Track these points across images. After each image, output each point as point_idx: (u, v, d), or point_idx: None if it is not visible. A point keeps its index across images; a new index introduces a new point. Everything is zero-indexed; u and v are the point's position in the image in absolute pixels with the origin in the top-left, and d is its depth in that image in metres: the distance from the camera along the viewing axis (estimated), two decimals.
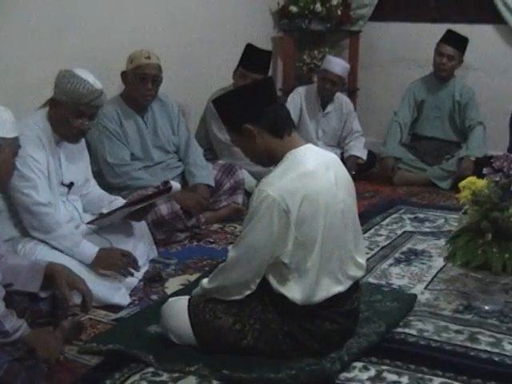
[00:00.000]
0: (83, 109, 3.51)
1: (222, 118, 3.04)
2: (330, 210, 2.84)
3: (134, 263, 3.61)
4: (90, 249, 3.58)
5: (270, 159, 2.95)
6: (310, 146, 2.98)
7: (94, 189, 4.01)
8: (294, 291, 2.84)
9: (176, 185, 3.82)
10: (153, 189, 4.23)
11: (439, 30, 5.89)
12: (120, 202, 3.91)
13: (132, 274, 3.62)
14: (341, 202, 2.91)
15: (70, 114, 3.51)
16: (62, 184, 3.69)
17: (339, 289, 2.92)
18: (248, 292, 2.89)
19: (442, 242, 4.25)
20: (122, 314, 3.46)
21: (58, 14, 4.40)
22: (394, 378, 2.88)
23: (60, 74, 3.53)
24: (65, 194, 3.72)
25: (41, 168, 3.52)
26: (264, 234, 2.76)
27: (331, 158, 3.04)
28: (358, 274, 3.05)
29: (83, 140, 3.85)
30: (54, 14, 4.37)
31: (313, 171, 2.83)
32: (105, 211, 3.78)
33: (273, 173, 2.86)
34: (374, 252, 4.28)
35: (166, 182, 3.72)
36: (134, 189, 4.38)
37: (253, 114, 2.87)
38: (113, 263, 3.57)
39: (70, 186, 3.73)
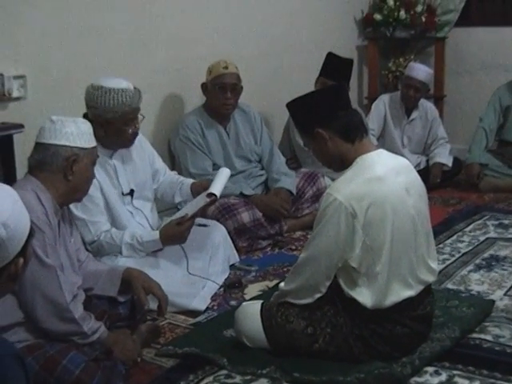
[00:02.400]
0: (132, 115, 3.58)
1: (294, 121, 3.12)
2: (399, 215, 2.85)
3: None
4: (153, 237, 3.66)
5: (341, 163, 2.98)
6: (381, 151, 3.01)
7: (165, 177, 4.09)
8: (364, 295, 2.86)
9: (223, 173, 3.90)
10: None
11: None
12: (187, 183, 4.02)
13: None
14: (411, 207, 2.91)
15: (123, 124, 3.57)
16: (123, 194, 3.77)
17: (410, 293, 2.92)
18: (318, 295, 2.92)
19: None
20: (200, 318, 3.54)
21: (140, 27, 4.53)
22: (465, 383, 2.85)
23: (92, 95, 3.51)
24: (129, 203, 3.80)
25: (89, 199, 3.47)
26: (331, 237, 2.80)
27: (403, 163, 3.05)
28: (430, 278, 3.04)
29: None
30: (135, 28, 4.50)
31: (381, 176, 2.85)
32: (177, 200, 3.98)
33: (342, 177, 2.90)
34: (454, 258, 4.25)
35: (211, 194, 3.73)
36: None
37: (325, 118, 2.92)
38: (177, 237, 3.66)
39: (132, 193, 3.80)
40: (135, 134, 3.68)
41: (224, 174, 3.92)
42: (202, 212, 3.91)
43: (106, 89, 3.50)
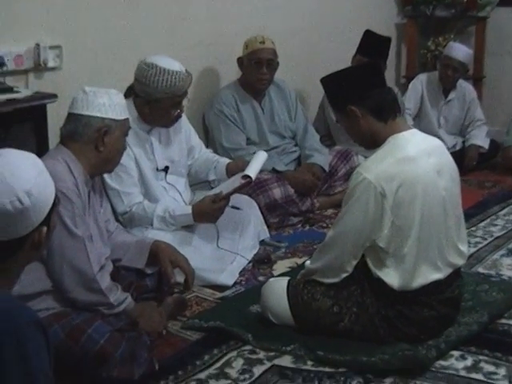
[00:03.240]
0: (181, 98, 3.61)
1: (328, 97, 3.11)
2: (429, 196, 2.82)
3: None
4: (185, 211, 3.67)
5: (373, 142, 2.96)
6: (414, 131, 2.98)
7: (201, 154, 4.09)
8: (391, 276, 2.84)
9: (260, 156, 3.89)
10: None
11: None
12: (222, 162, 4.03)
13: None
14: (442, 189, 2.88)
15: (170, 106, 3.59)
16: (158, 170, 3.77)
17: (438, 276, 2.90)
18: (344, 274, 2.91)
19: None
20: (227, 293, 3.55)
21: (178, 1, 4.52)
22: (491, 368, 2.83)
23: (145, 71, 3.51)
24: (163, 179, 3.81)
25: (123, 170, 3.53)
26: (359, 216, 2.79)
27: (435, 144, 3.02)
28: (460, 261, 3.02)
29: None
30: (173, 1, 4.48)
31: (413, 157, 2.83)
32: (211, 178, 3.99)
33: (372, 156, 2.88)
34: (486, 242, 4.20)
35: (246, 176, 3.72)
36: None
37: (358, 95, 2.90)
38: (210, 215, 3.65)
39: (166, 169, 3.80)
40: (179, 117, 3.70)
41: (261, 156, 3.91)
42: (238, 192, 3.87)
43: (160, 68, 3.51)
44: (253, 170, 3.77)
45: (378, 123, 2.90)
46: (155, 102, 3.55)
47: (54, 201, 1.82)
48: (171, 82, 3.50)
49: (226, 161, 4.06)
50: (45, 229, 1.79)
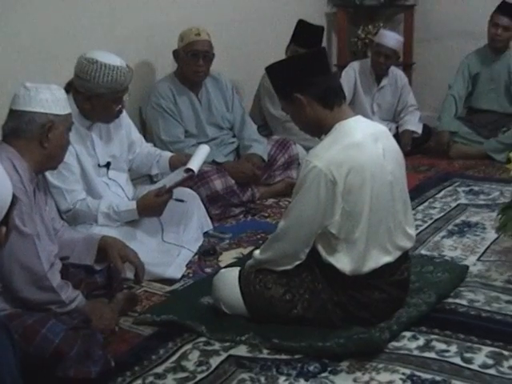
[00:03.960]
0: (121, 94, 3.57)
1: (273, 86, 3.08)
2: (378, 181, 2.85)
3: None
4: (129, 206, 3.65)
5: (318, 129, 2.98)
6: (359, 117, 3.00)
7: (142, 148, 4.07)
8: (342, 261, 2.87)
9: (202, 149, 3.91)
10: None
11: (495, 1, 5.78)
12: (165, 156, 4.04)
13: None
14: (389, 173, 2.92)
15: (112, 102, 3.55)
16: (99, 166, 3.74)
17: (388, 259, 2.94)
18: (297, 262, 2.93)
19: (496, 214, 4.21)
20: (176, 286, 3.53)
21: None
22: (442, 346, 2.89)
23: (86, 67, 3.46)
24: (105, 174, 3.77)
25: (65, 167, 3.47)
26: (311, 205, 2.80)
27: (380, 129, 3.05)
28: (408, 244, 3.06)
29: None
30: None
31: (360, 142, 2.85)
32: (154, 172, 4.02)
33: (320, 144, 2.89)
34: (427, 224, 4.28)
35: (189, 169, 3.74)
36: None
37: (304, 83, 2.90)
38: (154, 209, 3.65)
39: (108, 165, 3.77)
40: (120, 112, 3.67)
41: (203, 150, 3.92)
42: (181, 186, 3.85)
43: (101, 63, 3.46)
44: (195, 164, 3.77)
45: (323, 110, 2.91)
46: (96, 97, 3.51)
47: (12, 200, 1.79)
48: (112, 77, 3.46)
49: (169, 155, 4.06)
50: (4, 229, 1.76)
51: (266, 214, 4.56)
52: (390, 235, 2.94)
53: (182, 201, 3.86)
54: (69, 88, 3.56)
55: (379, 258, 2.91)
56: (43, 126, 2.81)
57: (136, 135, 4.04)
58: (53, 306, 2.77)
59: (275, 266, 2.98)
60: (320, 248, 2.90)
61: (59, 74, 3.71)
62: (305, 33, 5.15)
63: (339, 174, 2.76)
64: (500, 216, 3.52)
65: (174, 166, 3.95)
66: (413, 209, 4.36)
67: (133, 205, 3.62)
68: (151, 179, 4.30)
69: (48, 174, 3.32)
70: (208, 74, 4.67)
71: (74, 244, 3.12)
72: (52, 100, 2.85)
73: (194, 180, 4.01)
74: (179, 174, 3.75)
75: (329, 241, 2.87)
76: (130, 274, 3.21)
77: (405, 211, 3.04)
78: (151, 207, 3.63)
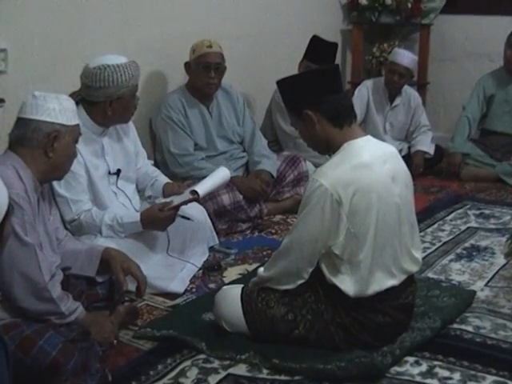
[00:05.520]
0: (137, 88, 3.63)
1: (283, 100, 3.04)
2: (384, 203, 2.82)
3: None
4: (133, 219, 3.61)
5: (327, 147, 2.95)
6: (368, 137, 2.96)
7: (142, 165, 4.03)
8: (346, 283, 2.83)
9: (219, 173, 3.90)
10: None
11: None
12: (160, 181, 3.99)
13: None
14: (396, 195, 2.88)
15: (132, 98, 3.60)
16: (110, 173, 3.72)
17: (392, 282, 2.90)
18: (300, 281, 2.89)
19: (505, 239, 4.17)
20: (179, 301, 3.50)
21: (124, 4, 4.45)
22: (445, 373, 2.85)
23: (99, 76, 3.45)
24: (114, 183, 3.75)
25: (73, 176, 3.45)
26: (315, 224, 2.77)
27: (390, 151, 3.01)
28: (413, 268, 3.02)
29: None
30: (119, 5, 4.42)
31: (368, 163, 2.82)
32: (147, 194, 3.95)
33: (328, 162, 2.86)
34: (435, 247, 4.23)
35: (194, 192, 3.71)
36: (197, 178, 4.39)
37: (315, 100, 2.87)
38: (157, 223, 3.62)
39: (118, 173, 3.75)
40: (136, 107, 3.70)
41: (220, 174, 3.92)
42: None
43: (113, 66, 3.48)
44: (203, 187, 3.77)
45: (333, 129, 2.88)
46: (117, 99, 3.53)
47: (8, 210, 1.77)
48: (129, 74, 3.51)
49: (164, 181, 4.01)
50: None
51: (274, 231, 4.52)
52: (395, 258, 2.90)
53: (188, 219, 3.82)
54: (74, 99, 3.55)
55: (384, 281, 2.87)
56: (49, 135, 2.79)
57: (140, 147, 4.02)
58: (52, 317, 2.74)
59: (278, 284, 2.94)
60: (324, 268, 2.86)
61: (70, 84, 3.68)
62: (318, 49, 5.12)
63: (345, 194, 2.73)
64: (509, 241, 3.47)
65: (167, 193, 3.92)
66: (421, 231, 4.36)
67: (137, 217, 3.59)
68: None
69: (55, 183, 3.32)
70: (219, 87, 4.65)
71: (76, 255, 3.09)
72: (59, 110, 2.83)
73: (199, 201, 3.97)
74: (186, 195, 3.73)
75: (333, 261, 2.83)
76: (132, 287, 3.17)
77: (412, 234, 3.00)
78: (154, 221, 3.60)
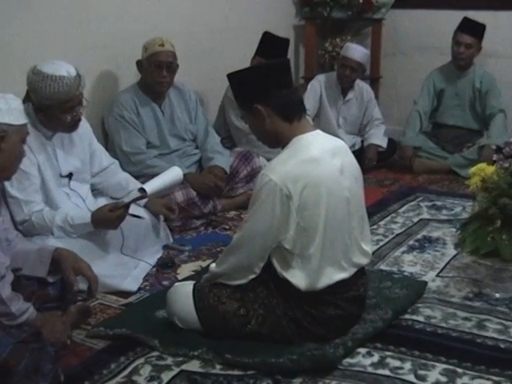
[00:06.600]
0: (72, 103, 3.51)
1: (234, 94, 3.05)
2: (334, 197, 2.84)
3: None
4: (84, 220, 3.59)
5: (276, 141, 2.96)
6: (318, 132, 2.99)
7: (113, 172, 4.03)
8: (297, 277, 2.86)
9: (171, 172, 3.93)
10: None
11: (462, 16, 5.81)
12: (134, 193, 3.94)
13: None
14: (346, 189, 2.91)
15: (61, 112, 3.51)
16: (61, 176, 3.70)
17: (343, 275, 2.93)
18: (252, 276, 2.91)
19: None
20: (132, 299, 3.50)
21: (74, 2, 4.41)
22: (396, 363, 2.88)
23: (32, 80, 3.44)
24: (66, 185, 3.73)
25: (26, 177, 3.46)
26: (266, 219, 2.78)
27: (339, 145, 3.03)
28: (363, 261, 3.05)
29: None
30: (69, 3, 4.37)
31: (317, 158, 2.84)
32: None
33: (277, 157, 2.88)
34: (387, 239, 4.27)
35: (143, 190, 3.75)
36: (149, 177, 4.37)
37: (265, 94, 2.88)
38: (108, 223, 3.60)
39: (70, 176, 3.73)
40: (76, 121, 3.61)
41: (172, 173, 3.96)
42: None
43: (44, 75, 3.42)
44: (151, 185, 3.82)
45: (283, 123, 2.89)
46: (46, 108, 3.48)
47: None
48: (54, 88, 3.41)
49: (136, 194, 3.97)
50: None
51: (227, 227, 4.53)
52: (345, 252, 2.93)
53: (139, 217, 3.81)
54: (28, 98, 3.53)
55: (334, 275, 2.89)
56: None
57: (97, 146, 3.99)
58: (2, 319, 2.72)
59: (230, 279, 2.95)
60: (275, 263, 2.88)
61: (15, 83, 3.65)
62: (270, 45, 5.12)
63: (295, 188, 2.74)
64: (459, 232, 3.52)
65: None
66: (374, 223, 4.41)
67: (88, 218, 3.57)
68: None
69: (7, 183, 3.29)
70: (172, 85, 4.64)
71: (27, 255, 3.06)
72: (6, 109, 2.80)
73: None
74: (135, 193, 3.72)
75: (284, 256, 2.85)
76: (84, 287, 3.15)
77: (361, 228, 3.03)
78: (105, 221, 3.58)
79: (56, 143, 3.66)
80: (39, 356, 2.65)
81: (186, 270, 3.86)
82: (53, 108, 3.47)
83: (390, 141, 6.04)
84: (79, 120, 3.62)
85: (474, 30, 5.69)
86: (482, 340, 3.07)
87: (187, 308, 2.99)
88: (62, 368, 2.74)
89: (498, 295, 3.47)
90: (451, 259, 3.94)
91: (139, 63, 4.56)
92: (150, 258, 3.86)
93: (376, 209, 4.76)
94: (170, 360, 2.90)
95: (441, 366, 2.86)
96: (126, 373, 2.82)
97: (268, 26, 5.47)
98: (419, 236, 4.34)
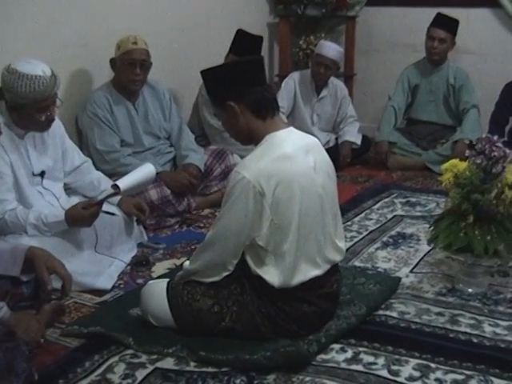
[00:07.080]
0: (47, 103, 3.50)
1: (207, 91, 3.03)
2: (307, 194, 2.85)
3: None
4: (57, 218, 3.57)
5: (249, 138, 2.97)
6: (291, 129, 2.99)
7: (87, 171, 4.02)
8: (271, 274, 2.86)
9: (143, 169, 3.91)
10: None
11: (435, 13, 5.85)
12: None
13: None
14: (319, 186, 2.92)
15: (35, 111, 3.49)
16: (34, 174, 3.68)
17: (317, 272, 2.94)
18: (225, 273, 2.91)
19: None
20: (106, 297, 3.50)
21: (47, 1, 4.39)
22: (370, 359, 2.90)
23: (7, 78, 3.43)
24: (39, 183, 3.72)
25: None
26: (239, 216, 2.79)
27: (312, 142, 3.04)
28: (337, 257, 3.07)
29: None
30: (42, 2, 4.35)
31: (290, 155, 2.84)
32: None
33: (250, 155, 2.88)
34: (362, 236, 4.30)
35: (116, 186, 3.73)
36: (124, 175, 4.36)
37: (238, 92, 2.88)
38: (81, 221, 3.58)
39: (42, 174, 3.72)
40: (50, 121, 3.60)
41: (144, 170, 3.92)
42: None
43: (19, 74, 3.40)
44: (124, 182, 3.78)
45: (256, 121, 2.89)
46: (20, 107, 3.46)
47: None
48: (30, 88, 3.40)
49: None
50: None
51: (202, 225, 4.54)
52: (319, 248, 2.94)
53: (112, 214, 3.81)
54: (1, 96, 3.51)
55: (308, 271, 2.91)
56: None
57: (69, 144, 3.97)
58: None
59: (203, 277, 2.96)
60: (249, 260, 2.89)
61: None
62: (243, 42, 5.12)
63: (268, 186, 2.75)
64: (432, 228, 3.54)
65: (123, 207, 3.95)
66: (349, 220, 4.43)
67: (61, 216, 3.56)
68: None
69: None
70: (145, 83, 4.64)
71: (0, 255, 3.05)
72: None
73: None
74: (108, 189, 3.72)
75: (257, 253, 2.86)
76: (58, 285, 3.14)
77: (335, 224, 3.04)
78: (78, 219, 3.57)
79: (28, 142, 3.65)
80: (13, 355, 2.63)
81: (160, 268, 3.86)
82: (27, 107, 3.45)
83: (365, 138, 6.06)
84: (53, 120, 3.61)
85: (448, 24, 5.74)
86: (454, 335, 3.10)
87: (161, 306, 2.99)
88: (36, 367, 2.73)
89: (470, 290, 3.50)
90: (425, 255, 3.97)
91: (112, 61, 4.55)
92: (124, 256, 3.85)
93: (350, 205, 4.78)
94: (144, 358, 2.90)
95: (414, 361, 2.88)
96: (100, 371, 2.82)
97: (242, 24, 5.46)
98: (393, 232, 4.36)
